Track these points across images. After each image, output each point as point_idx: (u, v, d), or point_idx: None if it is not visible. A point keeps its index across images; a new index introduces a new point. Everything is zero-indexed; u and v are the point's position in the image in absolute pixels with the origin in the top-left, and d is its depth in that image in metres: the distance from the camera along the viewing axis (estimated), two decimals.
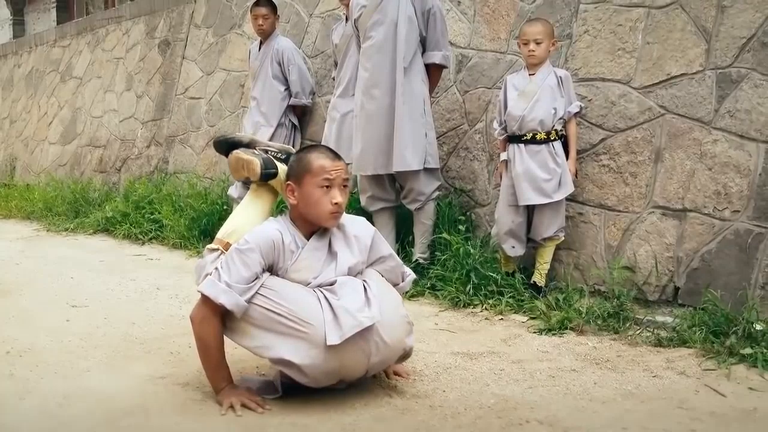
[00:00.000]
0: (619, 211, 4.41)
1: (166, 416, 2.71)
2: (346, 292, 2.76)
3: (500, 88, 4.64)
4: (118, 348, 3.60)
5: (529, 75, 4.47)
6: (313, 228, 2.89)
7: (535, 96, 4.36)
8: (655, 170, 4.30)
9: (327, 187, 2.79)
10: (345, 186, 2.85)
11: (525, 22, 4.62)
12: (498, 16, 5.28)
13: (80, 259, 6.25)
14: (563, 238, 4.46)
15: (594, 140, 4.59)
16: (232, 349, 2.92)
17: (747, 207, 3.88)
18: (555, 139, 4.36)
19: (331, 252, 2.88)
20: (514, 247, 4.48)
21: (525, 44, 4.42)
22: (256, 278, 2.74)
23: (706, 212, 4.03)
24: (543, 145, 4.34)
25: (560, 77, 4.41)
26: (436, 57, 4.89)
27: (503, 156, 4.54)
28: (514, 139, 4.43)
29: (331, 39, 5.89)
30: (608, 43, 4.66)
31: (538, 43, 4.37)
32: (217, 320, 2.76)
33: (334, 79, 5.83)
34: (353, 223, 3.00)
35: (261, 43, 6.35)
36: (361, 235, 2.96)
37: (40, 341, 3.71)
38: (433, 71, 4.97)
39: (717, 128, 4.08)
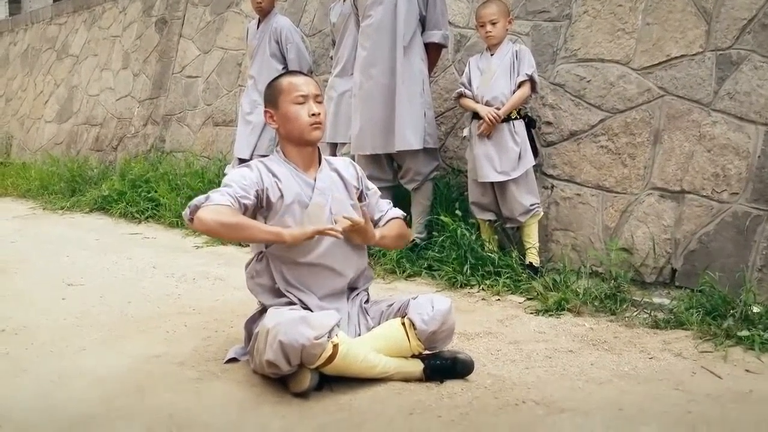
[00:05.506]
0: (617, 192, 4.40)
1: (162, 395, 2.70)
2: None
3: None
4: (114, 327, 3.60)
5: (491, 55, 4.55)
6: (302, 152, 2.98)
7: (494, 75, 4.45)
8: (653, 152, 4.29)
9: (302, 103, 2.91)
10: (319, 101, 2.95)
11: (479, 5, 4.66)
12: None
13: (76, 237, 6.23)
14: (542, 212, 4.51)
15: (593, 121, 4.57)
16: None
17: (745, 189, 3.87)
18: (516, 118, 4.44)
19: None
20: (484, 215, 4.62)
21: (482, 26, 4.51)
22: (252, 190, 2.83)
23: (705, 194, 4.02)
24: (504, 124, 4.42)
25: (515, 52, 4.49)
26: (435, 36, 4.86)
27: (465, 132, 4.65)
28: (476, 116, 4.49)
29: (329, 18, 5.84)
30: (608, 23, 4.62)
31: (493, 24, 4.46)
32: (214, 206, 2.73)
33: (332, 59, 5.79)
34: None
35: (259, 21, 6.30)
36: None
37: (35, 320, 3.70)
38: (432, 51, 4.94)
39: (716, 110, 4.06)
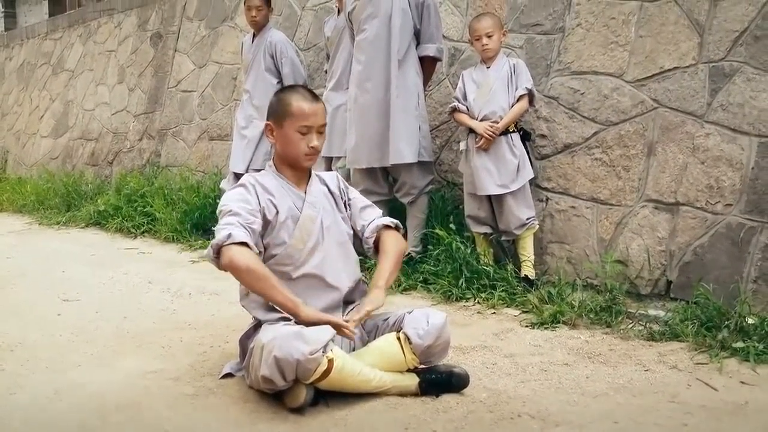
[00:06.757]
0: (612, 204, 4.41)
1: (158, 411, 2.70)
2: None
3: None
4: (110, 342, 3.59)
5: (486, 68, 4.57)
6: (295, 173, 3.03)
7: (492, 88, 4.47)
8: (647, 164, 4.30)
9: (305, 133, 2.92)
10: (321, 132, 2.98)
11: (472, 19, 4.69)
12: (490, 9, 5.26)
13: (72, 252, 6.23)
14: (537, 225, 4.52)
15: (586, 134, 4.59)
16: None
17: (739, 201, 3.88)
18: (513, 131, 4.46)
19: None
20: (480, 228, 4.63)
21: (477, 40, 4.54)
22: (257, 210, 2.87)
23: (699, 206, 4.03)
24: (501, 137, 4.43)
25: (513, 65, 4.51)
26: (430, 50, 4.88)
27: (462, 146, 4.65)
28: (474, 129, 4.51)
29: (324, 32, 5.86)
30: (601, 36, 4.65)
31: (489, 36, 4.49)
32: (243, 248, 2.73)
33: (326, 72, 5.80)
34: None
35: (254, 35, 6.31)
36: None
37: (32, 335, 3.69)
38: (427, 64, 4.96)
39: (709, 122, 4.07)
